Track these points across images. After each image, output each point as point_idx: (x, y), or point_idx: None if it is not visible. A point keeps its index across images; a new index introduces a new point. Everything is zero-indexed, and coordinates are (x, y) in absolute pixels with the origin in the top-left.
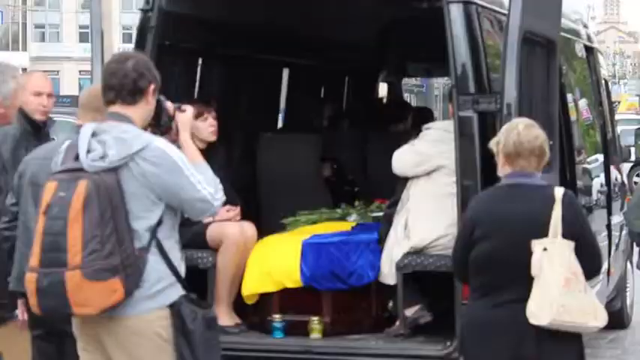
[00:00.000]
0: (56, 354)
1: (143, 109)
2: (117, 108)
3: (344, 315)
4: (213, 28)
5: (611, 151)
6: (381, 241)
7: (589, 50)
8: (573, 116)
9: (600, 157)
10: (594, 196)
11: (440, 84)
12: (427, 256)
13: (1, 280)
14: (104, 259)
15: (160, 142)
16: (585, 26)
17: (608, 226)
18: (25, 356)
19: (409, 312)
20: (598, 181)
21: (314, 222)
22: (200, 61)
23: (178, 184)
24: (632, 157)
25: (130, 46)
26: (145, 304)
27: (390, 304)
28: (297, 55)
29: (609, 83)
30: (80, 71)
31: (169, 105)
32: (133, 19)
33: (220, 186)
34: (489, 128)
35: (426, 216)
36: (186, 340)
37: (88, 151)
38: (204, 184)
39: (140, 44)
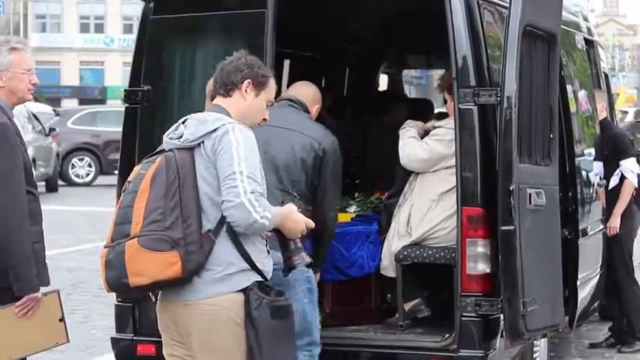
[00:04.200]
0: None
1: (239, 103)
2: (217, 100)
3: (344, 306)
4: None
5: None
6: (381, 232)
7: (589, 43)
8: (573, 109)
9: None
10: (594, 187)
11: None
12: (426, 247)
13: None
14: (164, 230)
15: (233, 126)
16: (585, 19)
17: None
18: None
19: (408, 305)
20: (597, 174)
21: None
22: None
23: (223, 170)
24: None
25: (132, 37)
26: (215, 288)
27: (389, 296)
28: (297, 47)
29: (609, 76)
30: (81, 62)
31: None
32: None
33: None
34: (490, 121)
35: (429, 211)
36: (252, 327)
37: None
38: (249, 193)
39: (141, 35)
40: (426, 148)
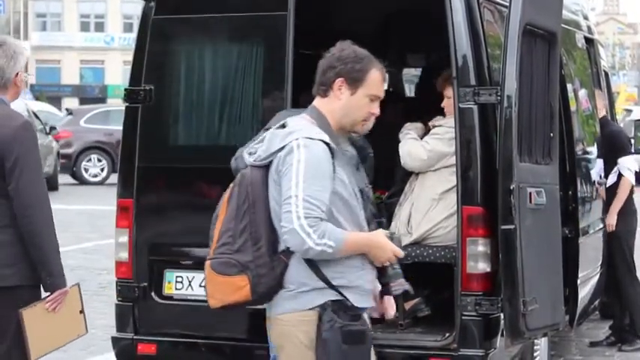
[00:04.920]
0: None
1: (334, 103)
2: (315, 101)
3: None
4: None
5: None
6: None
7: (589, 42)
8: (573, 107)
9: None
10: (595, 186)
11: None
12: (426, 247)
13: None
14: (233, 253)
15: (298, 143)
16: (586, 18)
17: None
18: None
19: (408, 305)
20: (598, 172)
21: None
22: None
23: (283, 192)
24: (632, 149)
25: (132, 36)
26: (288, 304)
27: None
28: (300, 46)
29: (609, 74)
30: (81, 60)
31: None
32: (135, 8)
33: (337, 239)
34: (490, 120)
35: (430, 210)
36: (323, 350)
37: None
38: (303, 219)
39: (142, 34)
40: (426, 147)
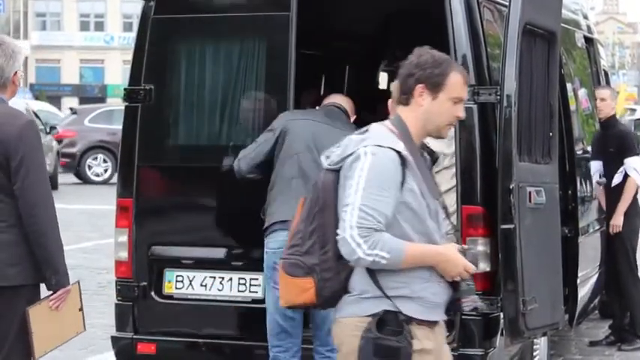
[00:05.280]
0: None
1: (416, 110)
2: (398, 109)
3: None
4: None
5: None
6: None
7: (589, 41)
8: (573, 107)
9: None
10: (594, 186)
11: None
12: None
13: None
14: (301, 254)
15: (366, 150)
16: (585, 17)
17: None
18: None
19: None
20: (594, 172)
21: None
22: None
23: (344, 198)
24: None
25: (132, 35)
26: (349, 308)
27: None
28: (301, 45)
29: (609, 74)
30: (81, 60)
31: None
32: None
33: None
34: (489, 119)
35: None
36: (358, 358)
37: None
38: (355, 228)
39: (141, 33)
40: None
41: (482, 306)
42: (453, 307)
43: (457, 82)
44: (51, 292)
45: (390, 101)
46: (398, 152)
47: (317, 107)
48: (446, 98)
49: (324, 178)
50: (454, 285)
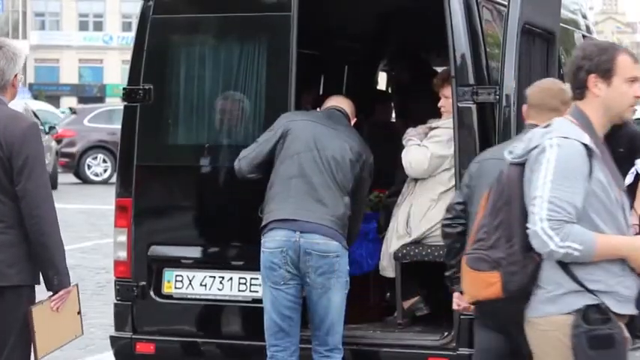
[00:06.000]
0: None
1: (593, 101)
2: (575, 103)
3: None
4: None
5: None
6: (380, 230)
7: None
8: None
9: None
10: None
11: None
12: (425, 246)
13: None
14: (487, 249)
15: (552, 142)
16: (584, 17)
17: None
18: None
19: (407, 304)
20: None
21: None
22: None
23: (532, 191)
24: None
25: (131, 35)
26: (546, 307)
27: (388, 294)
28: (300, 45)
29: None
30: (80, 59)
31: None
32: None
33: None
34: (488, 119)
35: (429, 210)
36: (573, 355)
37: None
38: (545, 221)
39: (140, 33)
40: (427, 155)
41: None
42: None
43: (627, 63)
44: (51, 293)
45: (524, 107)
46: (585, 145)
47: (318, 109)
48: (620, 82)
49: (509, 172)
50: None
